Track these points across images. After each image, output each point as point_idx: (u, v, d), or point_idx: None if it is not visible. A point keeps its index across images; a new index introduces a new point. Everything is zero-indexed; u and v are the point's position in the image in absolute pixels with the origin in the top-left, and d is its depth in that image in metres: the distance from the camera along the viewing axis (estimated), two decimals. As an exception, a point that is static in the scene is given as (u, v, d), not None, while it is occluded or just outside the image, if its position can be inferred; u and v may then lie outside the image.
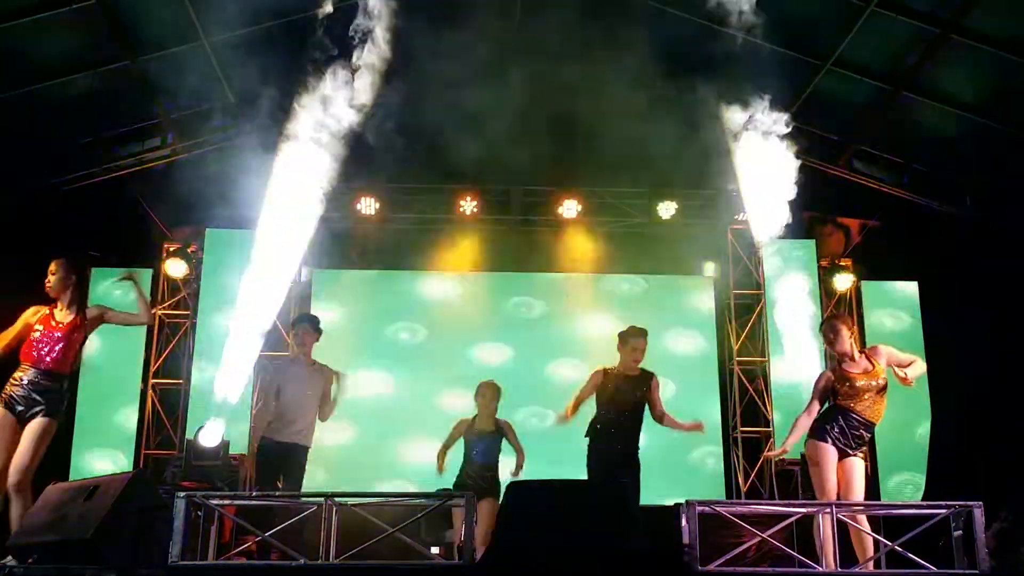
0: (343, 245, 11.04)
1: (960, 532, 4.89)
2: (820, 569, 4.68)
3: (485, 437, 7.14)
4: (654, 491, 8.35)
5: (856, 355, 5.90)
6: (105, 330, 9.86)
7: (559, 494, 4.86)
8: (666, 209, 11.03)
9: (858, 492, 5.64)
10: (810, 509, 5.08)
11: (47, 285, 5.88)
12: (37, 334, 5.71)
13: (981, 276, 9.84)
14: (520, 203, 11.18)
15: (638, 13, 9.71)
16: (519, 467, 7.09)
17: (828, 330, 5.95)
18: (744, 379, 10.79)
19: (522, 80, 10.70)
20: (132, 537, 4.66)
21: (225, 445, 9.46)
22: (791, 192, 10.14)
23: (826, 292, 11.12)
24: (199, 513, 4.81)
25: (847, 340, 5.89)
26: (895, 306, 10.97)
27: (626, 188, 11.07)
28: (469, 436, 7.18)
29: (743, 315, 11.04)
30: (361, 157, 10.88)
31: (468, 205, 10.94)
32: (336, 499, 4.85)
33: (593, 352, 10.76)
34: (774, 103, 10.18)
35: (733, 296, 11.06)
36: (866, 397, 5.77)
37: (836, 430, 5.72)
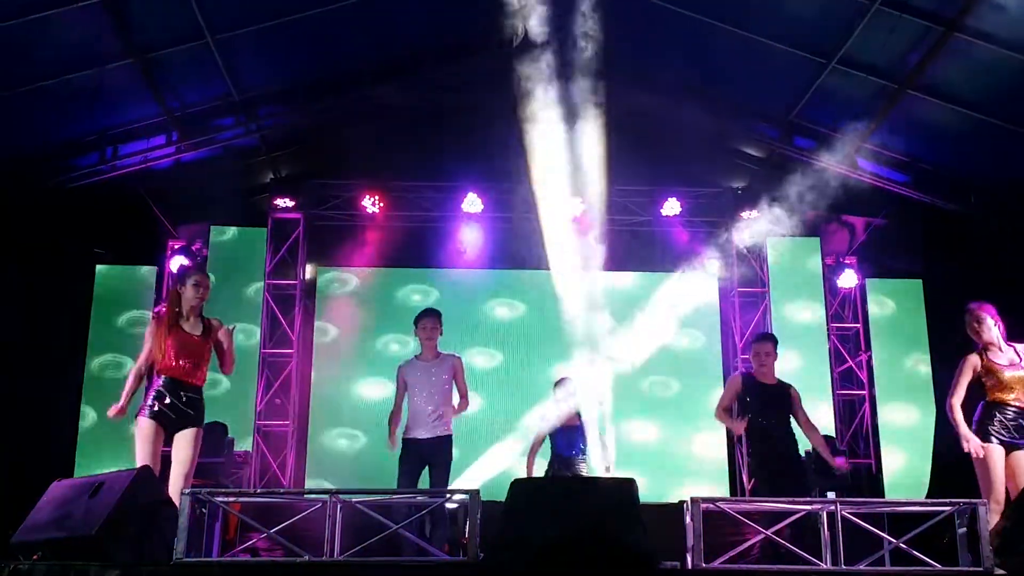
0: (347, 242, 11.06)
1: (964, 530, 4.88)
2: (823, 567, 4.68)
3: (567, 431, 7.50)
4: (658, 488, 8.39)
5: (1003, 345, 5.87)
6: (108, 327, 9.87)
7: (563, 490, 4.86)
8: (671, 206, 11.03)
9: None
10: (814, 507, 5.08)
11: (198, 296, 5.90)
12: (175, 348, 5.76)
13: (986, 273, 9.81)
14: (523, 201, 11.18)
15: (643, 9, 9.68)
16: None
17: (972, 319, 5.92)
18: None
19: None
20: (137, 534, 4.67)
21: (230, 443, 9.48)
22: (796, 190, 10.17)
23: (831, 290, 11.12)
24: (204, 510, 4.82)
25: (992, 329, 5.86)
26: (900, 304, 10.97)
27: (631, 186, 11.07)
28: (553, 432, 7.54)
29: (747, 312, 11.03)
30: (365, 155, 10.94)
31: (472, 202, 10.95)
32: (340, 496, 4.86)
33: (597, 350, 10.79)
34: (777, 101, 10.23)
35: (737, 293, 11.06)
36: (1016, 388, 5.74)
37: (997, 426, 5.70)
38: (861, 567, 4.62)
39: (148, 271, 10.57)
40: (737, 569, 4.55)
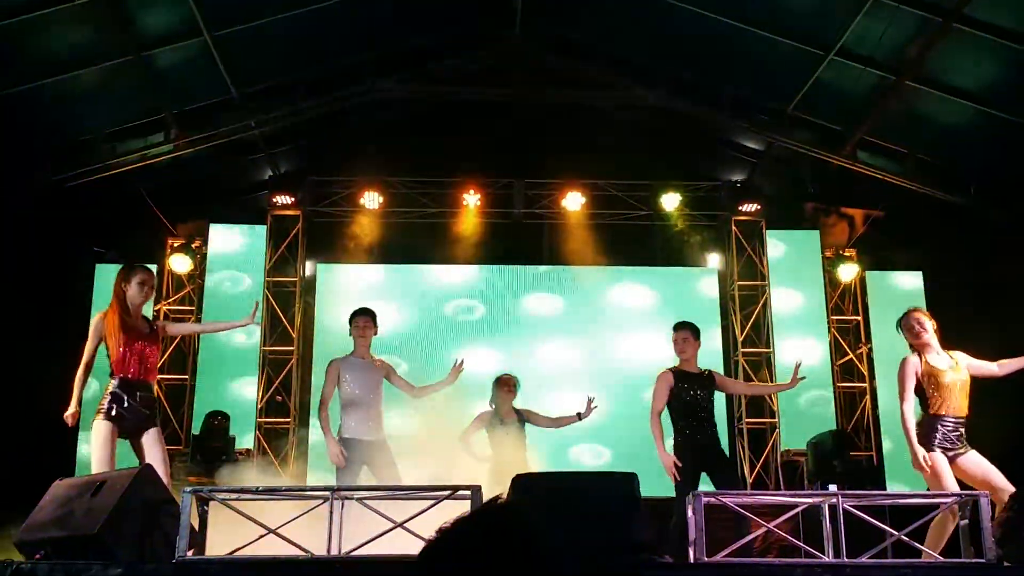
0: (347, 239, 11.05)
1: (966, 521, 4.89)
2: (826, 559, 4.68)
3: (510, 428, 7.44)
4: (658, 483, 8.38)
5: (939, 350, 5.87)
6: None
7: (564, 485, 4.87)
8: (670, 201, 11.02)
9: (997, 474, 5.58)
10: (815, 499, 5.08)
11: (143, 295, 5.87)
12: (127, 349, 5.72)
13: (985, 265, 9.81)
14: (523, 196, 11.19)
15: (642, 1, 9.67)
16: (581, 415, 7.48)
17: (912, 322, 5.89)
18: (748, 369, 10.78)
19: (524, 74, 10.70)
20: (138, 532, 4.67)
21: (231, 440, 9.49)
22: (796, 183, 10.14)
23: (830, 282, 11.13)
24: (205, 508, 4.82)
25: (931, 332, 5.85)
26: (899, 296, 10.96)
27: (630, 180, 11.07)
28: (493, 428, 7.44)
29: (747, 306, 11.04)
30: (364, 151, 10.94)
31: (471, 199, 10.94)
32: (342, 493, 4.87)
33: (597, 345, 10.79)
34: (777, 93, 10.21)
35: (737, 287, 11.06)
36: (953, 394, 5.74)
37: (939, 438, 5.68)
38: (863, 560, 4.62)
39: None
40: (739, 563, 4.55)
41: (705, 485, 6.54)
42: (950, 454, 5.68)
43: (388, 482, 6.46)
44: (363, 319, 6.95)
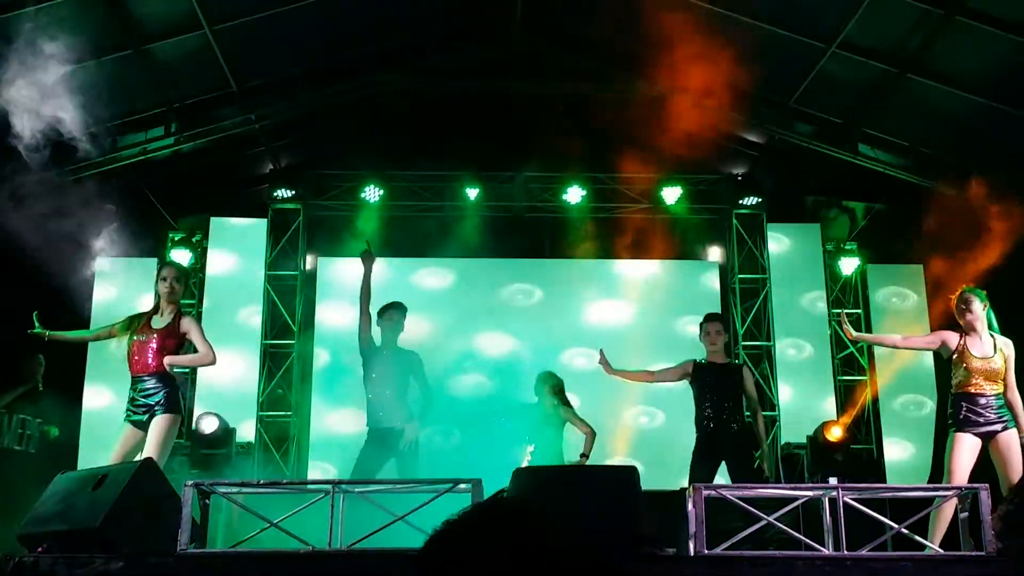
0: (348, 232, 11.04)
1: (966, 514, 4.89)
2: (826, 552, 4.68)
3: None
4: (660, 475, 8.41)
5: (984, 335, 5.88)
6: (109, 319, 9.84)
7: (565, 478, 4.87)
8: (671, 194, 11.02)
9: (1017, 467, 5.61)
10: (815, 492, 5.09)
11: (165, 288, 6.06)
12: (133, 344, 5.94)
13: (986, 259, 9.80)
14: (524, 190, 11.17)
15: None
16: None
17: (960, 301, 5.94)
18: (749, 363, 10.77)
19: (525, 67, 10.68)
20: (140, 525, 4.68)
21: (230, 433, 9.50)
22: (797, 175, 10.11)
23: (831, 276, 11.12)
24: (207, 501, 4.83)
25: (979, 316, 5.87)
26: (901, 289, 10.96)
27: (631, 173, 11.05)
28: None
29: (748, 299, 11.03)
30: (365, 144, 10.92)
31: (473, 191, 10.93)
32: (343, 486, 4.87)
33: (599, 339, 10.78)
34: (778, 86, 10.19)
35: (738, 280, 11.05)
36: (981, 377, 5.76)
37: (969, 414, 5.70)
38: (863, 552, 4.63)
39: (148, 263, 10.54)
40: (738, 556, 4.55)
41: (722, 477, 6.62)
42: (983, 430, 5.66)
43: (408, 472, 6.56)
44: (394, 312, 7.06)
